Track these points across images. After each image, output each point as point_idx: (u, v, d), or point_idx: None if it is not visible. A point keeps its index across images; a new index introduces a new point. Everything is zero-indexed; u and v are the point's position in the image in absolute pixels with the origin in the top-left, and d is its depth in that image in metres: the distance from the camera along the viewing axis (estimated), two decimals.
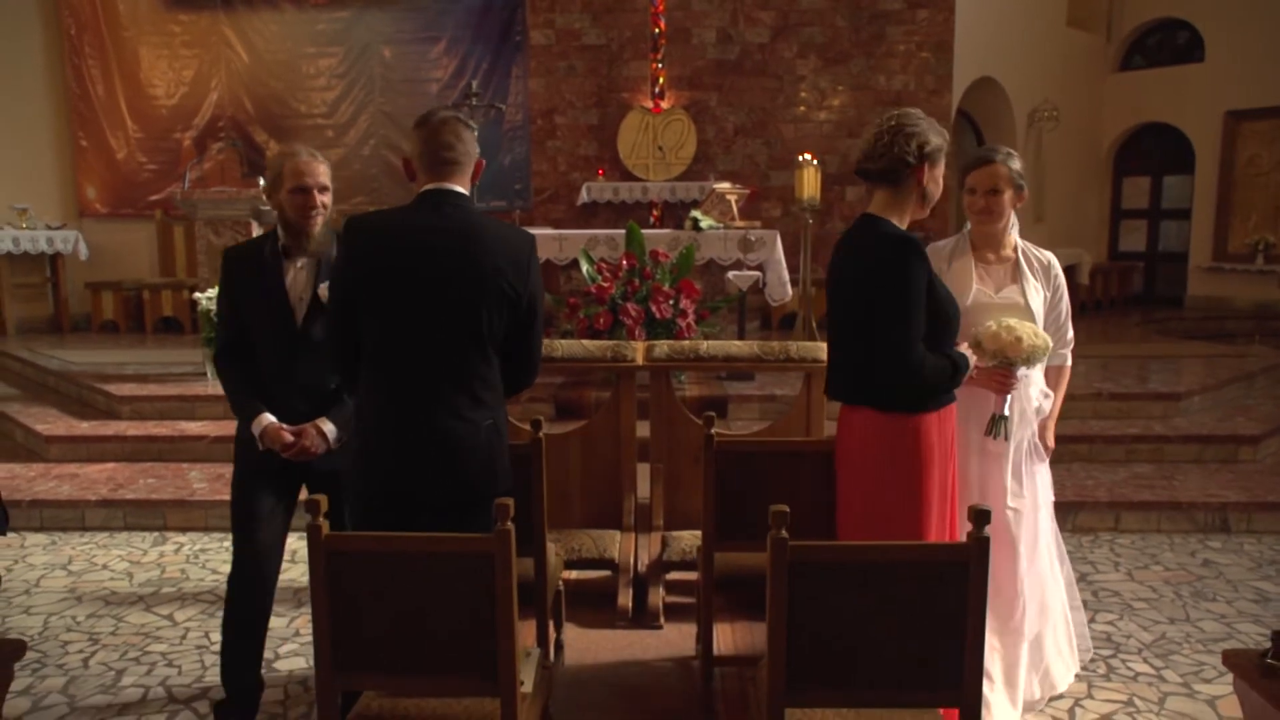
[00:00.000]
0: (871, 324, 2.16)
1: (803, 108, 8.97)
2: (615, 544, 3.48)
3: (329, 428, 2.60)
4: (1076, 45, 10.85)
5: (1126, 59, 11.37)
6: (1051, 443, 2.71)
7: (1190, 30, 10.74)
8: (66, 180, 9.11)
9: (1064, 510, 3.87)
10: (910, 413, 2.20)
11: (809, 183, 6.18)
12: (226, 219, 6.20)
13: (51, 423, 5.59)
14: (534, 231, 7.16)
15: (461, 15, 8.94)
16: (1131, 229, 11.66)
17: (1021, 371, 2.47)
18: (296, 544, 4.16)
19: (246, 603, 2.65)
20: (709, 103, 8.90)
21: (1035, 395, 2.61)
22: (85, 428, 5.48)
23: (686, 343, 3.73)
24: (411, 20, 8.94)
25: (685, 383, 5.60)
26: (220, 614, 2.77)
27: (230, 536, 2.72)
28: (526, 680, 2.08)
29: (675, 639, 3.28)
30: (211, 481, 4.82)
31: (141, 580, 3.93)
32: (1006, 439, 2.51)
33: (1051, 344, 2.49)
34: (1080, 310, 2.73)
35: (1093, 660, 3.03)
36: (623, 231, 5.89)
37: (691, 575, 3.37)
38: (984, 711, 2.50)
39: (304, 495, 2.62)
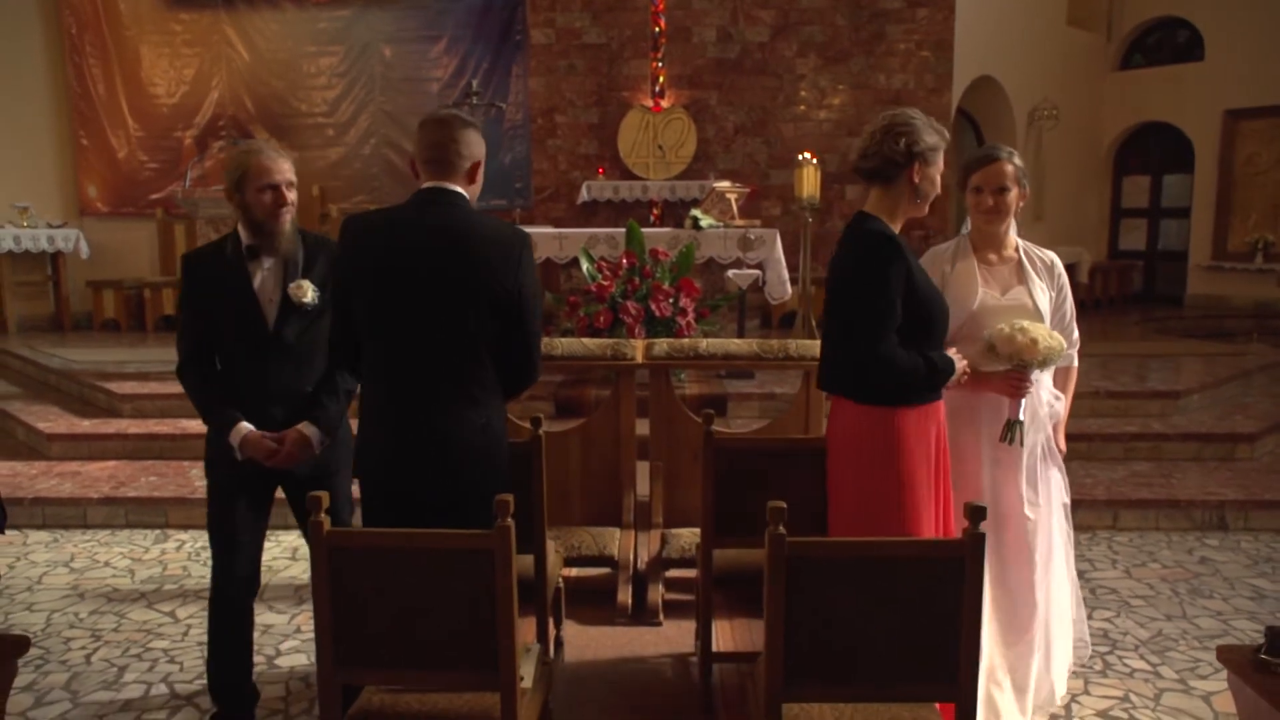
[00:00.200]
0: (848, 316, 2.23)
1: (803, 106, 8.98)
2: (615, 541, 3.50)
3: (311, 431, 2.52)
4: (1076, 44, 10.86)
5: (1126, 58, 11.38)
6: (1063, 445, 2.67)
7: (1190, 29, 10.75)
8: (67, 179, 9.13)
9: None
10: (883, 405, 2.23)
11: (809, 181, 6.19)
12: (227, 217, 6.23)
13: (53, 421, 5.60)
14: (534, 230, 7.19)
15: (462, 14, 8.95)
16: (1131, 228, 11.67)
17: (1034, 374, 2.44)
18: (298, 542, 4.19)
19: (230, 619, 2.62)
20: (709, 101, 8.91)
21: (1046, 397, 2.57)
22: (87, 426, 5.50)
23: (686, 341, 3.74)
24: (412, 19, 8.95)
25: (685, 381, 5.61)
26: None
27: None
28: (526, 675, 2.09)
29: (675, 636, 3.29)
30: None
31: (143, 577, 3.95)
32: (1021, 444, 2.45)
33: (1065, 345, 2.46)
34: (1080, 309, 2.71)
35: (1090, 657, 3.05)
36: (623, 230, 5.90)
37: (691, 572, 3.39)
38: (994, 718, 2.51)
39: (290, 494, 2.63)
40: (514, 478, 2.36)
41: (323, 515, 1.86)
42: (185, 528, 4.55)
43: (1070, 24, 10.76)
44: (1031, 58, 10.17)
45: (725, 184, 7.11)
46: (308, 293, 2.51)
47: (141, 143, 9.11)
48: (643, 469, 3.75)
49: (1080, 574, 3.81)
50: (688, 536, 3.44)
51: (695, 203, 7.76)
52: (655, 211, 8.79)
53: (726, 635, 3.25)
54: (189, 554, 4.23)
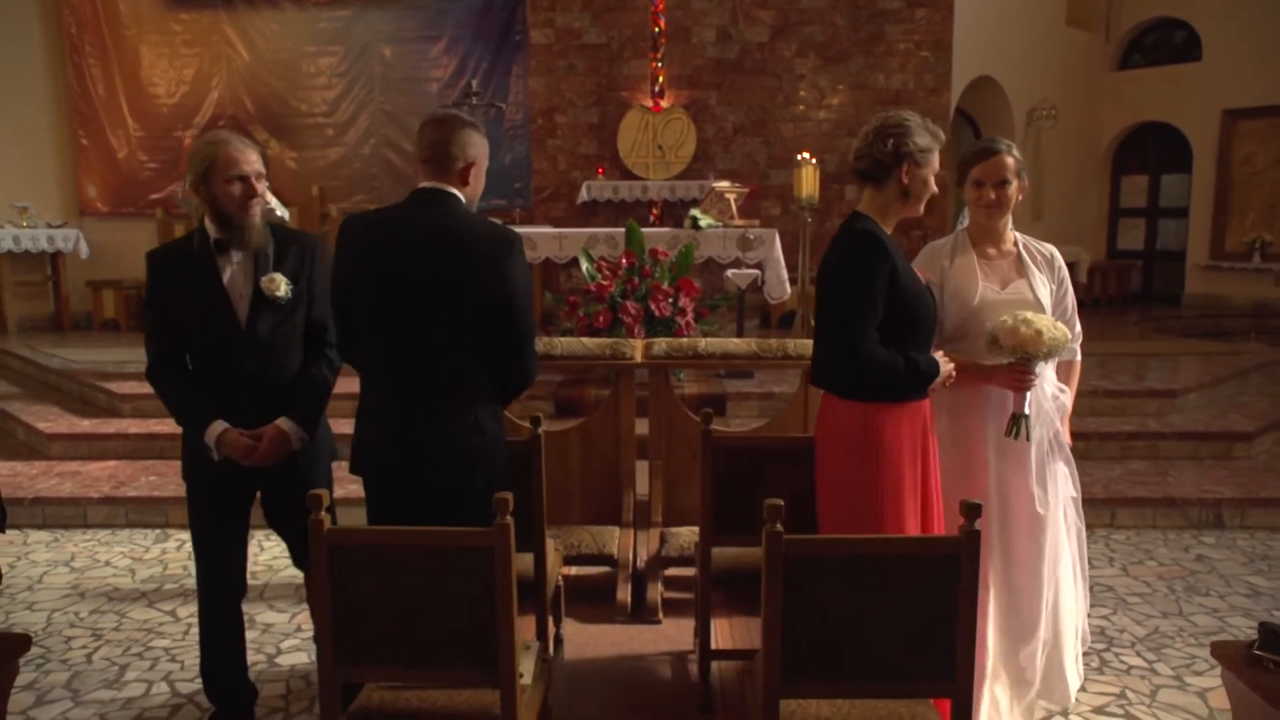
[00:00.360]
0: (830, 313, 2.26)
1: (802, 106, 8.99)
2: (614, 540, 3.51)
3: (289, 427, 2.47)
4: (1075, 44, 10.88)
5: (1125, 58, 11.40)
6: (1068, 438, 2.63)
7: (1188, 29, 10.77)
8: (67, 179, 9.13)
9: None
10: (865, 402, 2.25)
11: (808, 181, 6.21)
12: None
13: (53, 421, 5.62)
14: (534, 230, 7.19)
15: (462, 14, 8.96)
16: (1130, 227, 11.69)
17: (1038, 367, 2.40)
18: None
19: (219, 622, 2.60)
20: (708, 101, 8.92)
21: (1051, 391, 2.54)
22: (87, 425, 5.51)
23: (685, 340, 3.76)
24: (412, 19, 8.96)
25: (684, 380, 5.63)
26: None
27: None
28: (526, 672, 2.11)
29: (674, 634, 3.31)
30: None
31: (144, 577, 3.96)
32: (1028, 439, 2.42)
33: (1070, 336, 2.42)
34: (1079, 308, 2.69)
35: (1087, 654, 3.06)
36: (622, 230, 5.92)
37: (690, 571, 3.40)
38: (999, 717, 2.50)
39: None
40: (513, 477, 2.37)
41: (323, 513, 1.87)
42: (185, 527, 4.49)
43: (1069, 24, 10.77)
44: (1030, 58, 10.19)
45: (724, 184, 7.12)
46: (280, 286, 2.45)
47: (141, 143, 9.12)
48: (642, 468, 3.77)
49: None
50: (687, 535, 3.45)
51: (695, 203, 7.78)
52: (655, 211, 8.80)
53: (725, 633, 3.27)
54: (189, 553, 4.19)
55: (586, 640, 3.27)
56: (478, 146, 2.26)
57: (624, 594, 3.50)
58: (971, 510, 1.80)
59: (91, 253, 8.61)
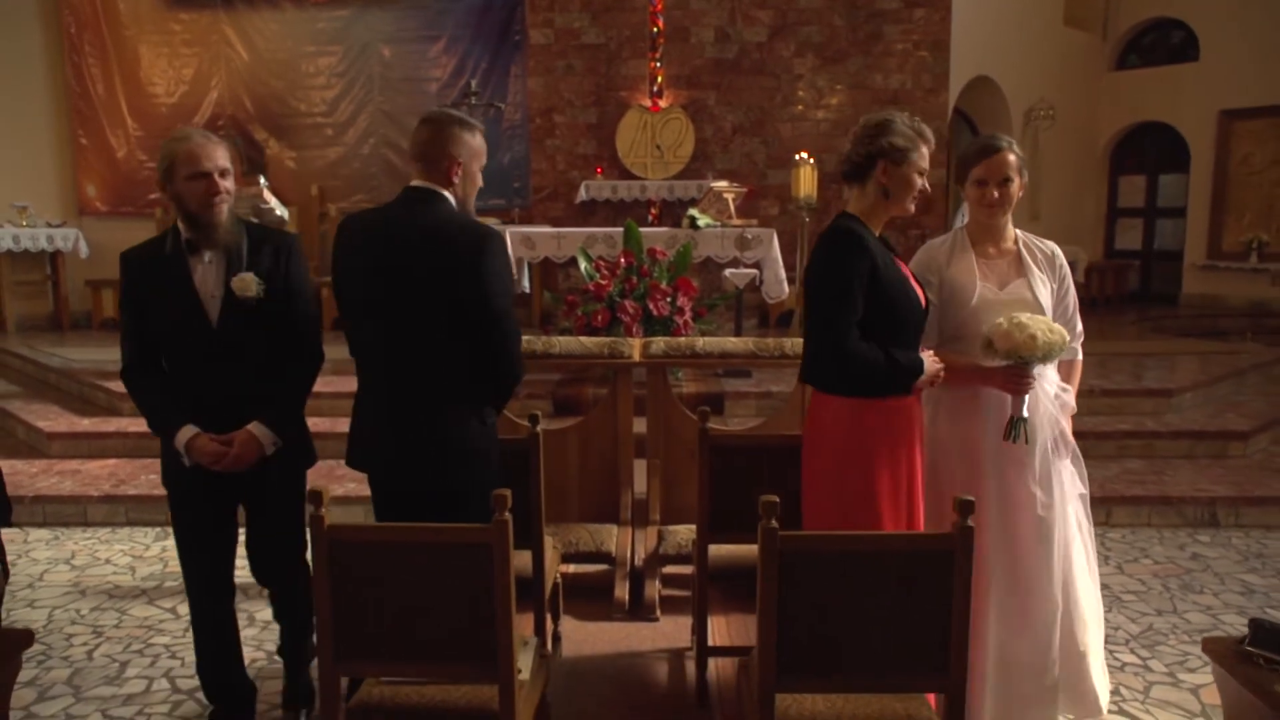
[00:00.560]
0: (812, 310, 2.29)
1: (800, 106, 9.01)
2: (612, 538, 3.53)
3: (261, 432, 2.41)
4: (1073, 44, 10.90)
5: (1122, 58, 11.42)
6: (1069, 436, 2.55)
7: (1185, 30, 10.79)
8: (66, 178, 9.15)
9: None
10: (846, 398, 2.27)
11: (806, 181, 6.24)
12: None
13: (53, 419, 5.63)
14: (532, 230, 7.19)
15: (461, 14, 8.97)
16: (1127, 227, 11.72)
17: (1036, 370, 2.37)
18: None
19: (210, 625, 2.59)
20: (707, 101, 8.94)
21: (1053, 390, 2.49)
22: (86, 424, 5.52)
23: (683, 339, 3.78)
24: (411, 19, 8.97)
25: (682, 379, 5.65)
26: None
27: None
28: (524, 668, 2.13)
29: (671, 631, 3.33)
30: None
31: (144, 574, 3.98)
32: (1026, 442, 2.38)
33: (1067, 338, 2.37)
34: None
35: None
36: (621, 229, 5.94)
37: (687, 569, 3.42)
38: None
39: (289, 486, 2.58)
40: (512, 475, 2.39)
41: (323, 510, 1.89)
42: None
43: (1067, 24, 10.79)
44: (1028, 58, 10.21)
45: (723, 184, 7.15)
46: (251, 286, 2.38)
47: (141, 142, 9.13)
48: (640, 466, 3.79)
49: None
50: (684, 533, 3.47)
51: (693, 202, 7.80)
52: (653, 211, 8.82)
53: (722, 630, 3.29)
54: None
55: (584, 637, 3.29)
56: (466, 146, 2.27)
57: (622, 591, 3.52)
58: (965, 506, 1.82)
59: (91, 252, 8.62)
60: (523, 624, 2.38)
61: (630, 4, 8.80)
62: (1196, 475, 4.88)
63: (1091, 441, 5.18)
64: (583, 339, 3.86)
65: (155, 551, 4.25)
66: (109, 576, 3.95)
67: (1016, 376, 2.34)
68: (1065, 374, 2.58)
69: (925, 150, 2.28)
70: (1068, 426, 2.53)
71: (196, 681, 2.98)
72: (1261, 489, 4.65)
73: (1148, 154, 11.40)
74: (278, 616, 2.77)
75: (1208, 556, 4.11)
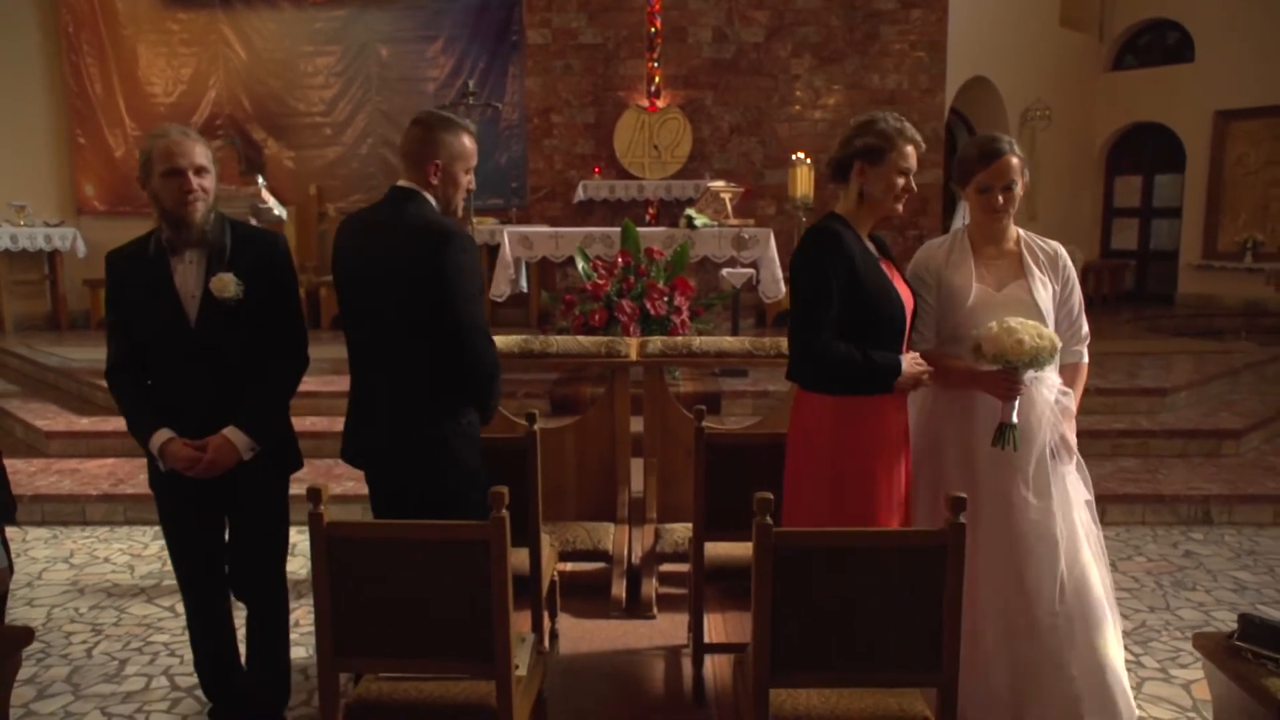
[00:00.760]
0: (791, 308, 2.33)
1: (797, 106, 9.03)
2: (609, 536, 3.55)
3: (237, 437, 2.34)
4: (1069, 45, 10.93)
5: (1118, 59, 11.45)
6: (1072, 441, 2.46)
7: (1181, 31, 10.83)
8: (64, 178, 9.15)
9: None
10: (830, 396, 2.29)
11: (802, 181, 6.26)
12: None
13: (52, 419, 5.64)
14: (529, 229, 7.20)
15: (459, 14, 8.98)
16: (1123, 227, 11.76)
17: (1030, 375, 2.31)
18: (296, 537, 4.22)
19: (203, 624, 2.57)
20: (704, 101, 8.96)
21: (1051, 396, 2.40)
22: (85, 424, 5.54)
23: (680, 339, 3.80)
24: (409, 19, 8.98)
25: (679, 378, 5.67)
26: None
27: None
28: (521, 664, 2.15)
29: (668, 628, 3.35)
30: None
31: (143, 573, 3.99)
32: (1015, 449, 2.31)
33: (1059, 343, 2.30)
34: None
35: None
36: (618, 229, 5.96)
37: (684, 567, 3.44)
38: None
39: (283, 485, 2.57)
40: (509, 474, 2.41)
41: (322, 507, 1.91)
42: None
43: (1063, 25, 10.83)
44: (1024, 58, 10.24)
45: (720, 184, 7.17)
46: (229, 287, 2.32)
47: (139, 142, 9.11)
48: (637, 465, 3.81)
49: None
50: (681, 531, 3.49)
51: (690, 202, 7.82)
52: (651, 211, 8.84)
53: (719, 627, 3.31)
54: None
55: (582, 635, 3.31)
56: (446, 148, 2.29)
57: (619, 589, 3.53)
58: (957, 503, 1.84)
59: (89, 251, 8.63)
60: (520, 621, 2.40)
61: (628, 4, 8.82)
62: (1190, 474, 4.91)
63: (1086, 440, 5.15)
64: (580, 338, 3.88)
65: (154, 550, 4.26)
66: (108, 575, 3.97)
67: (1006, 381, 2.29)
68: (1070, 378, 2.51)
69: (908, 150, 2.26)
70: (1069, 432, 2.45)
71: (195, 679, 3.01)
72: (1254, 487, 4.68)
73: (1143, 154, 11.44)
74: (248, 636, 2.62)
75: (1200, 554, 4.14)
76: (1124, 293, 11.30)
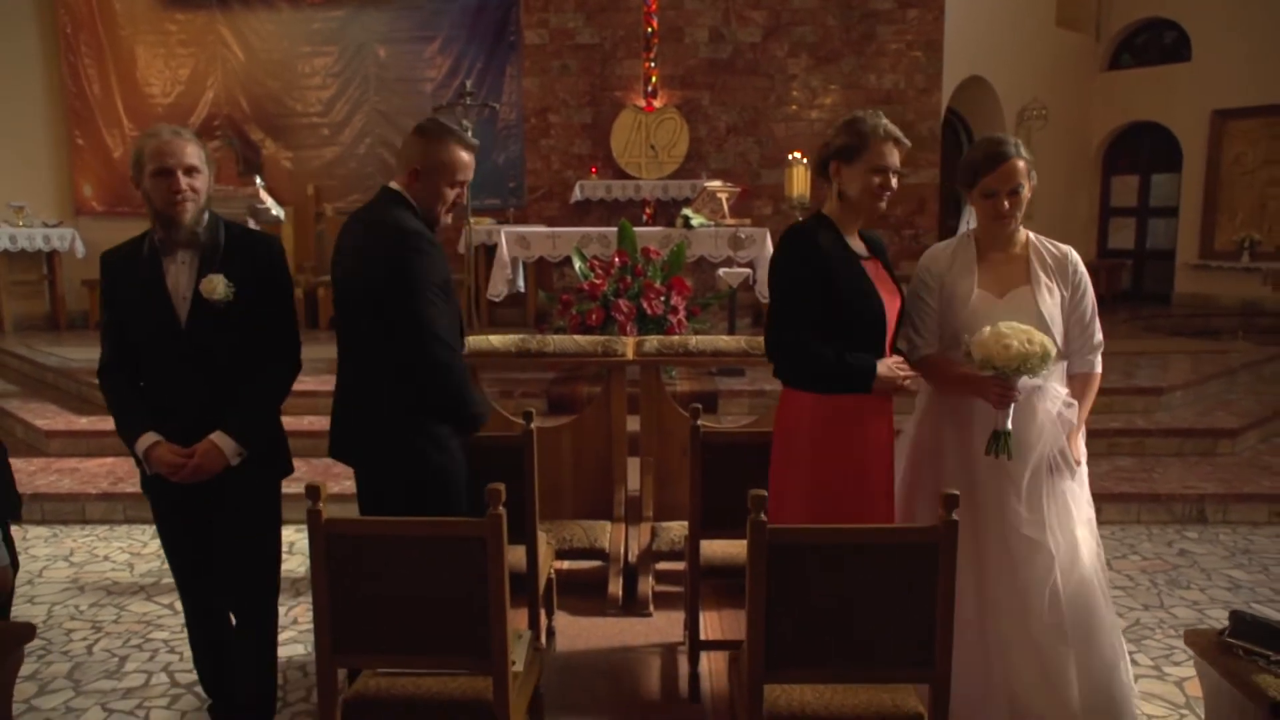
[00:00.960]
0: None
1: (794, 106, 9.05)
2: (606, 534, 3.57)
3: (224, 442, 2.31)
4: (1065, 45, 10.95)
5: (1115, 58, 11.48)
6: (1079, 455, 2.39)
7: (1177, 30, 10.85)
8: (63, 178, 9.16)
9: None
10: (801, 391, 2.32)
11: (799, 181, 6.28)
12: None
13: (51, 418, 5.66)
14: (527, 229, 7.21)
15: (456, 15, 8.99)
16: (1120, 227, 11.78)
17: (1026, 382, 2.25)
18: (294, 536, 4.25)
19: (199, 624, 2.58)
20: (701, 101, 8.98)
21: (1053, 408, 2.34)
22: (85, 423, 5.55)
23: (676, 338, 3.81)
24: (406, 20, 9.00)
25: (675, 378, 5.69)
26: None
27: None
28: (518, 660, 2.17)
29: (664, 626, 3.37)
30: None
31: (142, 571, 4.01)
32: (1010, 457, 2.25)
33: (1053, 350, 2.21)
34: None
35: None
36: (615, 229, 5.98)
37: (680, 565, 3.44)
38: None
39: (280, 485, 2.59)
40: (506, 472, 2.44)
41: (321, 504, 1.93)
42: None
43: (1059, 25, 10.85)
44: (1021, 58, 10.26)
45: (717, 183, 7.18)
46: (218, 288, 2.29)
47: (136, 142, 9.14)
48: (633, 464, 3.82)
49: None
50: (677, 529, 3.51)
51: (687, 202, 7.82)
52: (648, 211, 8.86)
53: (715, 625, 3.32)
54: None
55: (578, 633, 3.33)
56: (427, 157, 2.31)
57: (615, 587, 3.55)
58: (949, 501, 1.86)
59: (87, 252, 8.64)
60: (517, 618, 2.41)
61: (625, 4, 8.83)
62: (1186, 472, 4.93)
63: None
64: (577, 338, 3.90)
65: (153, 548, 4.28)
66: (107, 573, 3.98)
67: (998, 387, 2.23)
68: (1080, 388, 2.43)
69: (884, 148, 2.23)
70: (1075, 445, 2.37)
71: (195, 675, 3.02)
72: (1249, 486, 4.70)
73: (1140, 154, 11.47)
74: (235, 646, 2.58)
75: (1195, 553, 4.16)
76: (1121, 292, 11.33)
